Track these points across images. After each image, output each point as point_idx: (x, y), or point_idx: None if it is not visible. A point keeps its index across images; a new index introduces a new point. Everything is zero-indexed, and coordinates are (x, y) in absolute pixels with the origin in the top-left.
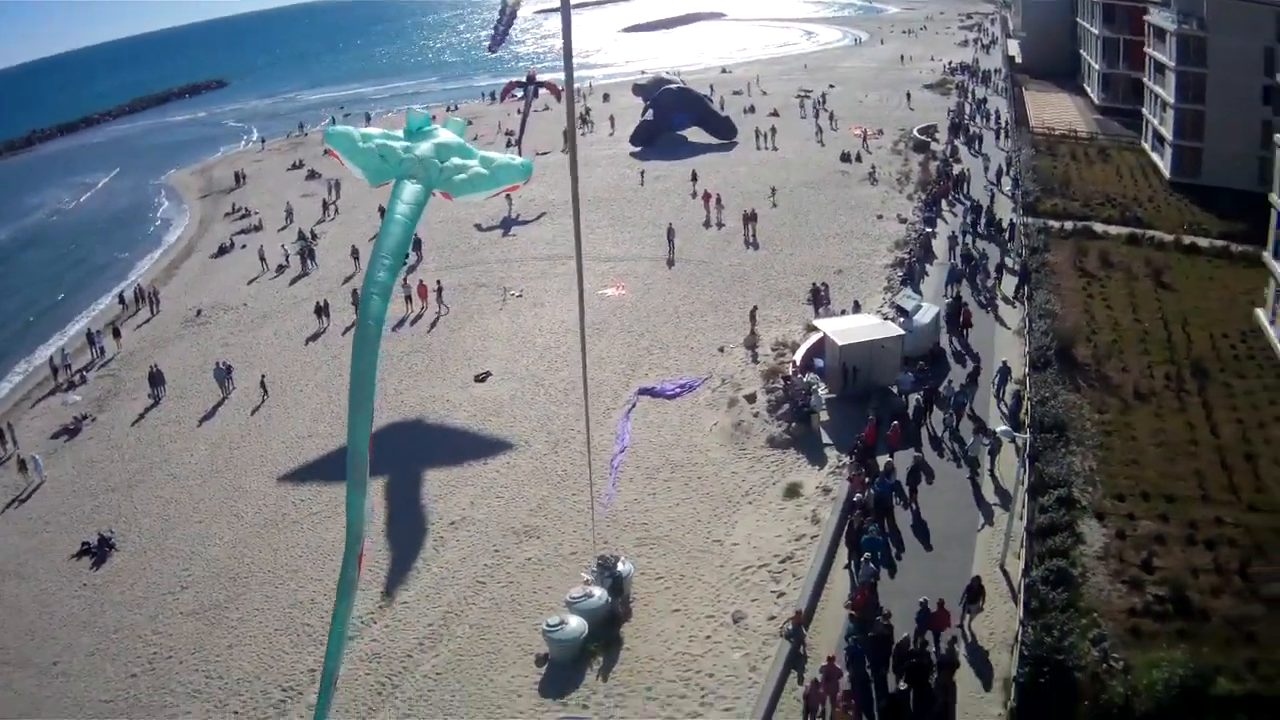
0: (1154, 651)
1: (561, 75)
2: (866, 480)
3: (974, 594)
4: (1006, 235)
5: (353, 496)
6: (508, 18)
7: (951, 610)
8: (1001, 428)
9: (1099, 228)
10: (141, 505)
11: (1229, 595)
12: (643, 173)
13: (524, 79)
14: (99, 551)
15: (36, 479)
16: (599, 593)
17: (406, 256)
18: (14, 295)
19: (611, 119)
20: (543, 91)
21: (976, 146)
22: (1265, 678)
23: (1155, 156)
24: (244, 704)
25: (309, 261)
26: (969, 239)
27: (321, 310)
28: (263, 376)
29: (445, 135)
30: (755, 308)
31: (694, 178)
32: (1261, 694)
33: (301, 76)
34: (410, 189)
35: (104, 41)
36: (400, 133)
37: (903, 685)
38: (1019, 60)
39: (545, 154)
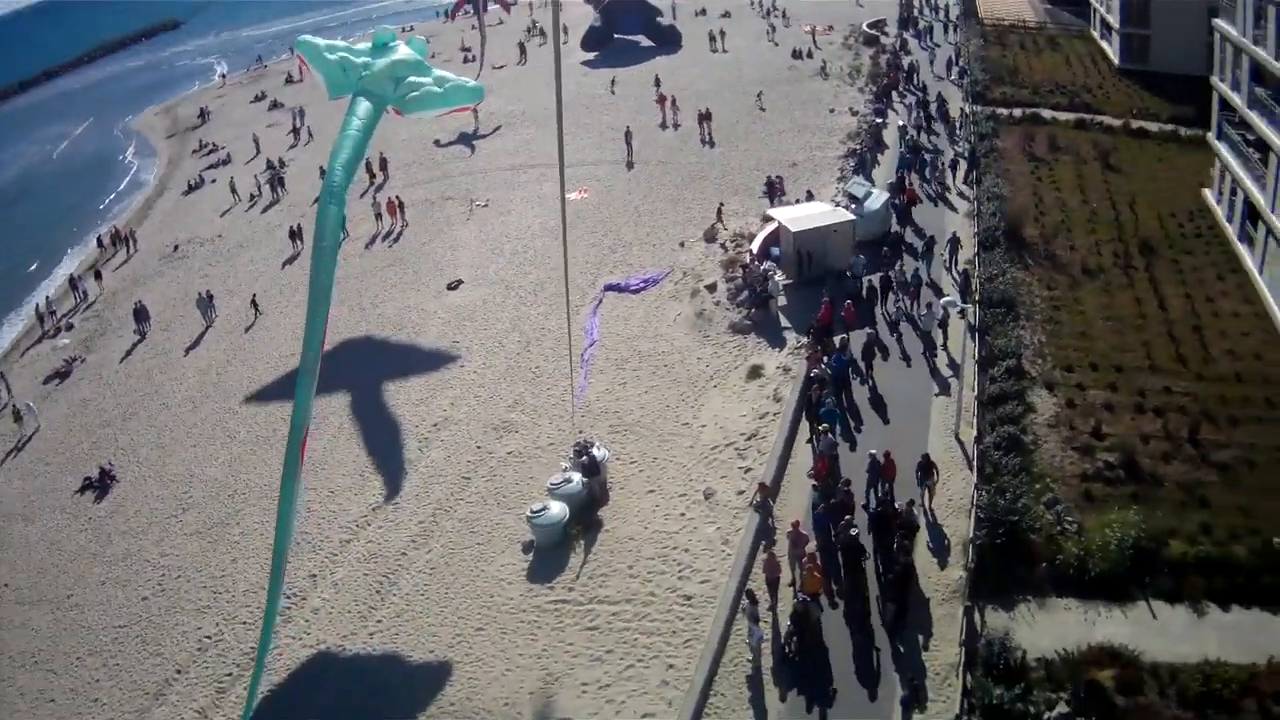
0: (1107, 514)
1: None
2: (823, 358)
3: (925, 469)
4: (955, 124)
5: (301, 391)
6: None
7: (900, 469)
8: (946, 298)
9: (1047, 114)
10: (138, 436)
11: (1179, 461)
12: (613, 81)
13: None
14: (101, 485)
15: (32, 425)
16: (577, 478)
17: (375, 173)
18: None
19: (565, 29)
20: (494, 6)
21: (926, 39)
22: (1218, 541)
23: (1104, 44)
24: (251, 614)
25: (279, 189)
26: (917, 130)
27: (295, 234)
28: (254, 295)
29: (404, 52)
30: (721, 204)
31: (657, 82)
32: (1214, 556)
33: (255, 10)
34: (364, 105)
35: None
36: (363, 47)
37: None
38: None
39: (501, 67)
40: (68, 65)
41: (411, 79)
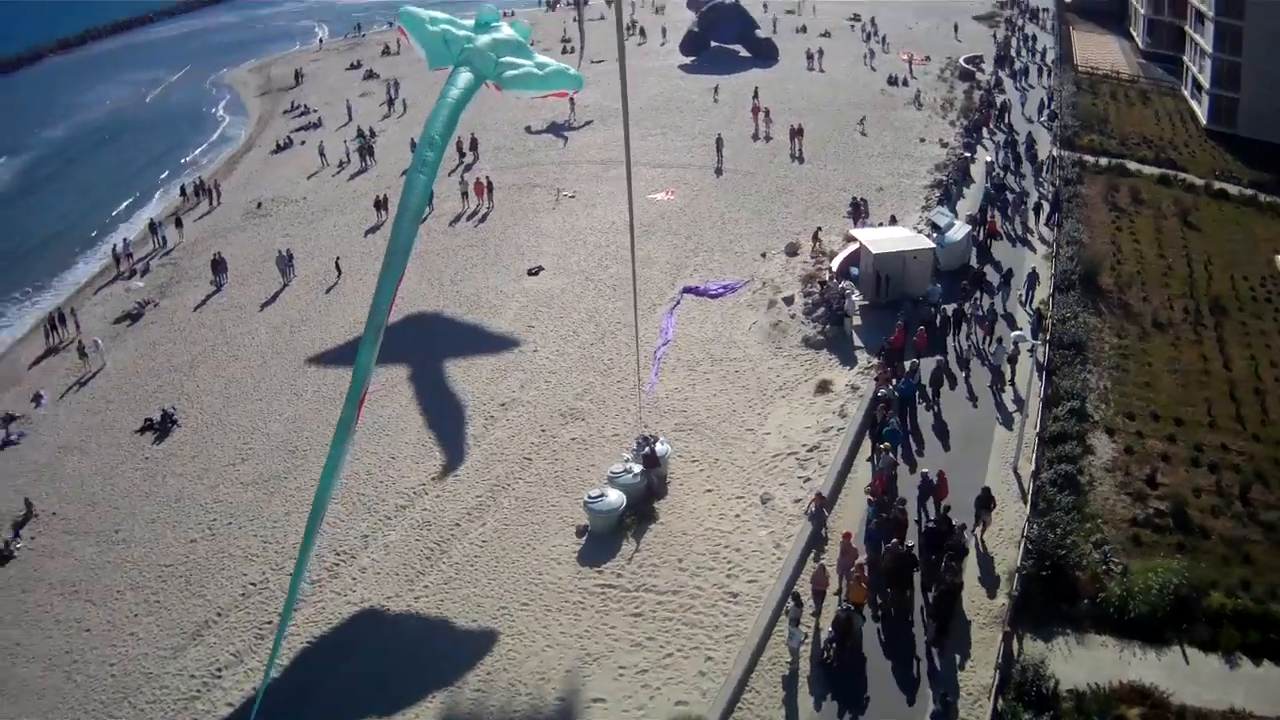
0: (1152, 560)
1: None
2: (892, 379)
3: (984, 501)
4: (1043, 167)
5: (365, 346)
6: None
7: (955, 494)
8: (1017, 333)
9: (1133, 166)
10: (204, 384)
11: (1228, 517)
12: (716, 88)
13: None
14: (161, 427)
15: (99, 363)
16: (638, 469)
17: (464, 152)
18: (79, 188)
19: (663, 30)
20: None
21: (1021, 80)
22: (1257, 598)
23: (1194, 103)
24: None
25: (368, 158)
26: (1005, 169)
27: (381, 204)
28: (337, 259)
29: (508, 33)
30: (820, 228)
31: (755, 94)
32: (1251, 611)
33: None
34: (464, 75)
35: None
36: (468, 22)
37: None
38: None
39: (599, 62)
40: (164, 12)
41: (512, 59)
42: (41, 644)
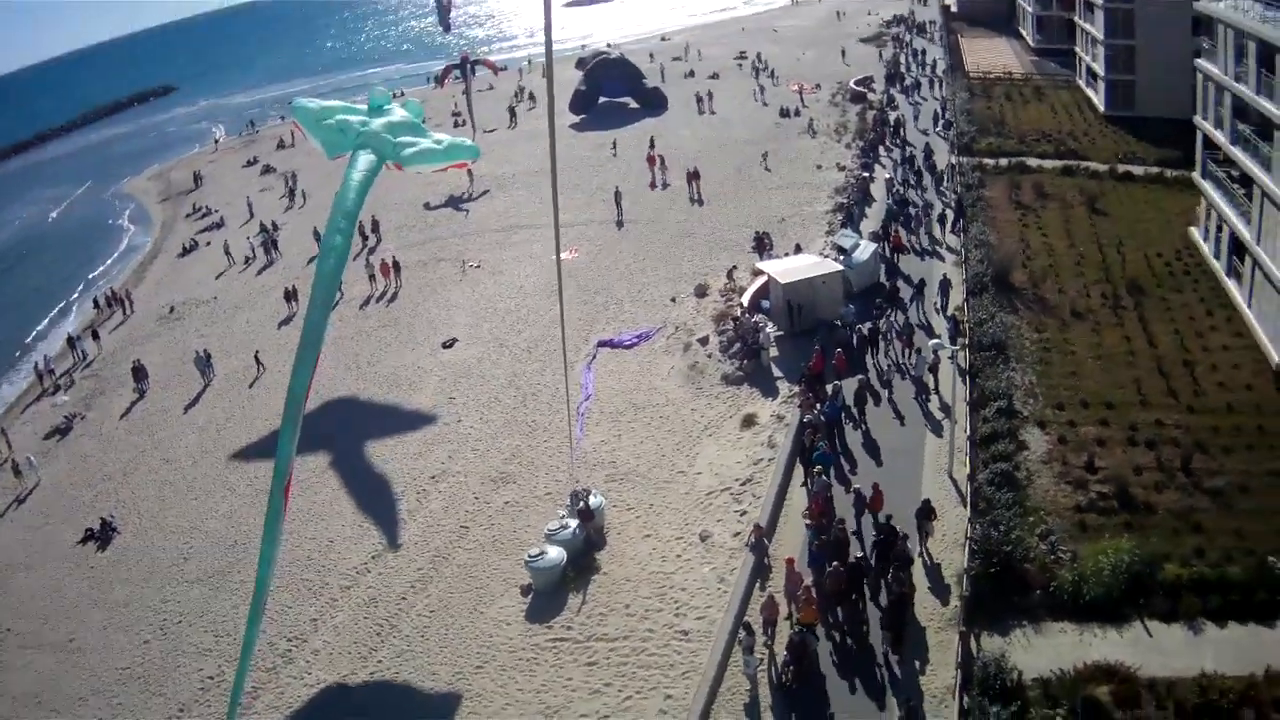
0: (1100, 542)
1: (500, 56)
2: (816, 404)
3: (925, 513)
4: (943, 176)
5: (285, 434)
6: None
7: (895, 507)
8: (934, 341)
9: (1034, 162)
10: (138, 490)
11: (1173, 489)
12: (614, 143)
13: (459, 61)
14: (102, 535)
15: (33, 479)
16: (574, 524)
17: (367, 235)
18: None
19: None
20: (482, 70)
21: (913, 94)
22: (1213, 563)
23: (1090, 92)
24: (254, 656)
25: (273, 251)
26: (904, 184)
27: (290, 295)
28: (256, 353)
29: (401, 114)
30: (734, 266)
31: (651, 144)
32: (1208, 577)
33: (247, 76)
34: (365, 158)
35: (42, 60)
36: (360, 107)
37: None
38: (954, 9)
39: (491, 131)
40: (61, 129)
41: (409, 138)
42: None
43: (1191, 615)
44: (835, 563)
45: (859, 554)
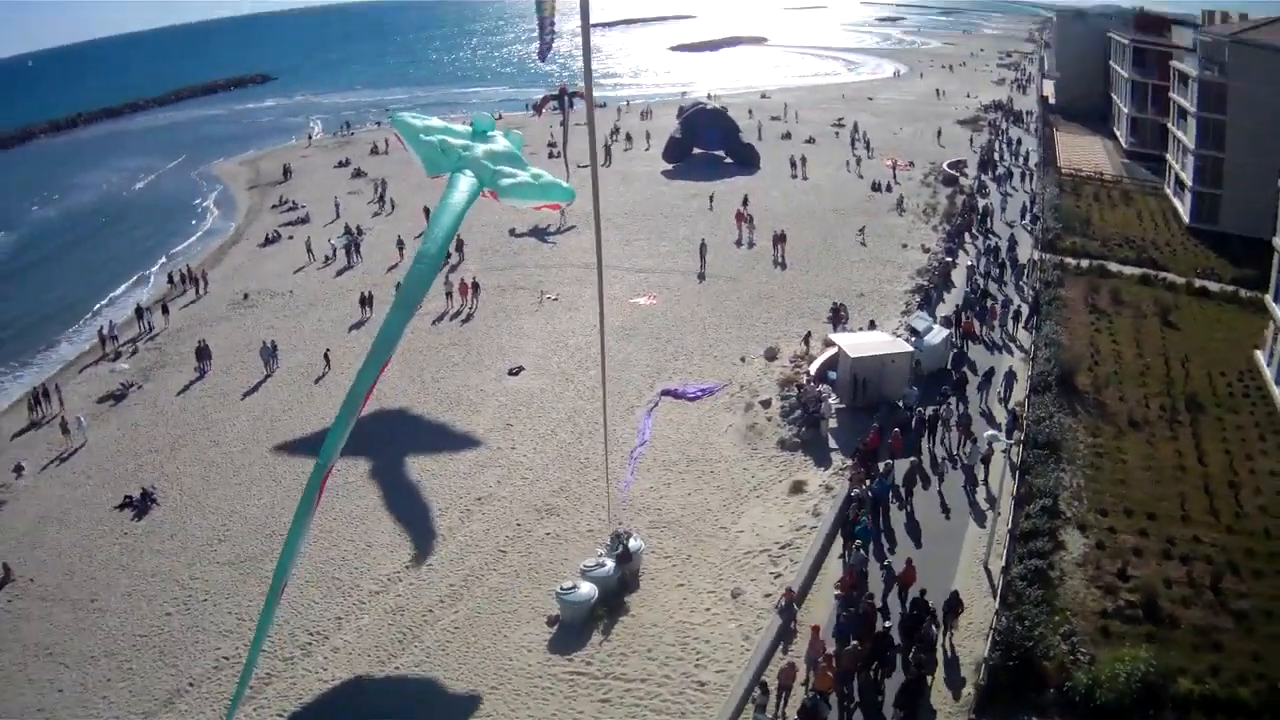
0: (1120, 649)
1: (599, 94)
2: (866, 479)
3: (952, 606)
4: (1024, 270)
5: (338, 426)
6: (547, 25)
7: (925, 587)
8: (989, 432)
9: (1114, 267)
10: (184, 467)
11: (1199, 606)
12: (712, 197)
13: (557, 92)
14: (141, 505)
15: (80, 439)
16: (610, 564)
17: (451, 253)
18: (67, 269)
19: (647, 134)
20: (580, 104)
21: (1004, 184)
22: (1226, 683)
23: (1176, 202)
24: (272, 644)
25: (355, 255)
26: (985, 276)
27: (366, 301)
28: (326, 351)
29: (502, 144)
30: (810, 333)
31: (745, 202)
32: (1218, 695)
33: (346, 77)
34: (466, 181)
35: (136, 31)
36: (462, 129)
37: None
38: (1053, 100)
39: (585, 167)
40: (153, 101)
41: (508, 168)
42: (15, 700)
43: None
44: (855, 642)
45: (886, 624)
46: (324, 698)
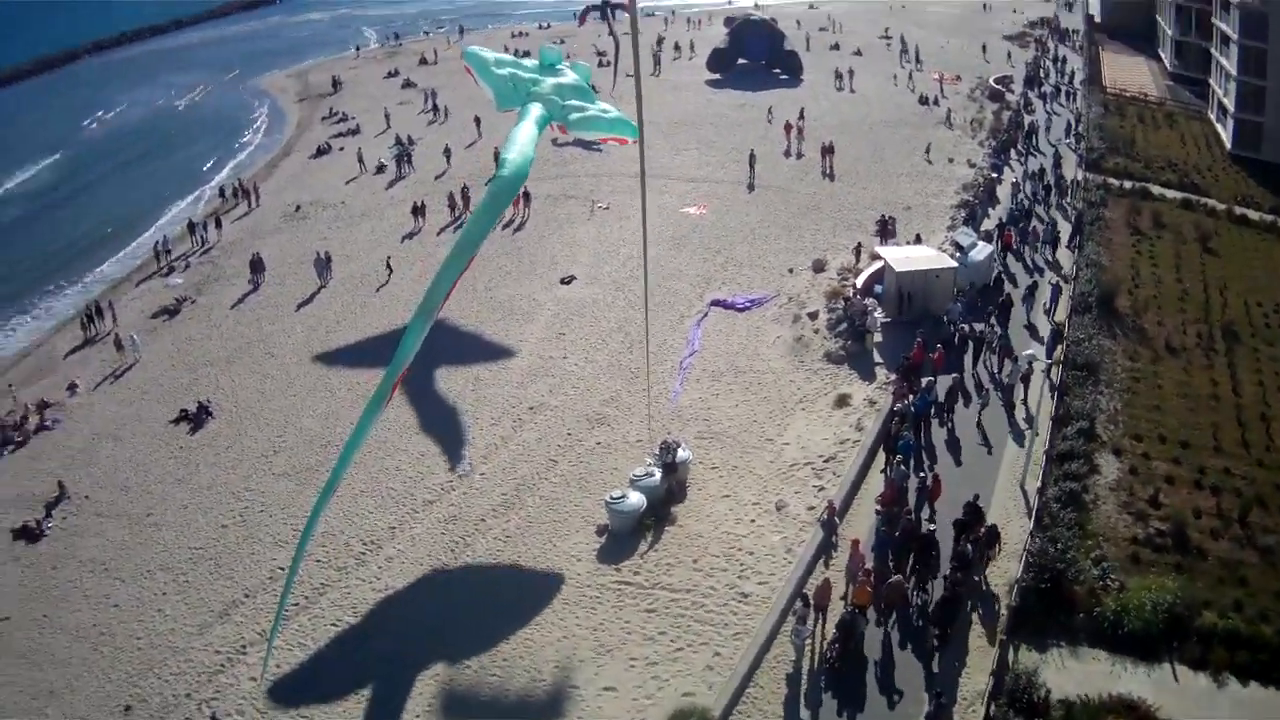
0: (1149, 578)
1: (645, 3)
2: (909, 395)
3: (990, 539)
4: (1067, 190)
5: (414, 329)
6: None
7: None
8: (1028, 351)
9: (1156, 190)
10: (238, 379)
11: (1227, 539)
12: (770, 109)
13: (598, 2)
14: (196, 418)
15: (133, 356)
16: (658, 473)
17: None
18: (120, 187)
19: (692, 44)
20: (623, 15)
21: (1050, 102)
22: (1249, 619)
23: (1219, 127)
24: (327, 554)
25: (406, 165)
26: (1033, 197)
27: (418, 210)
28: (388, 258)
29: (570, 76)
30: (859, 244)
31: (801, 115)
32: (1241, 632)
33: None
34: (538, 109)
35: None
36: (530, 63)
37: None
38: (1099, 19)
39: (632, 76)
40: (202, 16)
41: (576, 101)
42: (69, 617)
43: (1219, 667)
44: (898, 576)
45: (931, 526)
46: (377, 607)
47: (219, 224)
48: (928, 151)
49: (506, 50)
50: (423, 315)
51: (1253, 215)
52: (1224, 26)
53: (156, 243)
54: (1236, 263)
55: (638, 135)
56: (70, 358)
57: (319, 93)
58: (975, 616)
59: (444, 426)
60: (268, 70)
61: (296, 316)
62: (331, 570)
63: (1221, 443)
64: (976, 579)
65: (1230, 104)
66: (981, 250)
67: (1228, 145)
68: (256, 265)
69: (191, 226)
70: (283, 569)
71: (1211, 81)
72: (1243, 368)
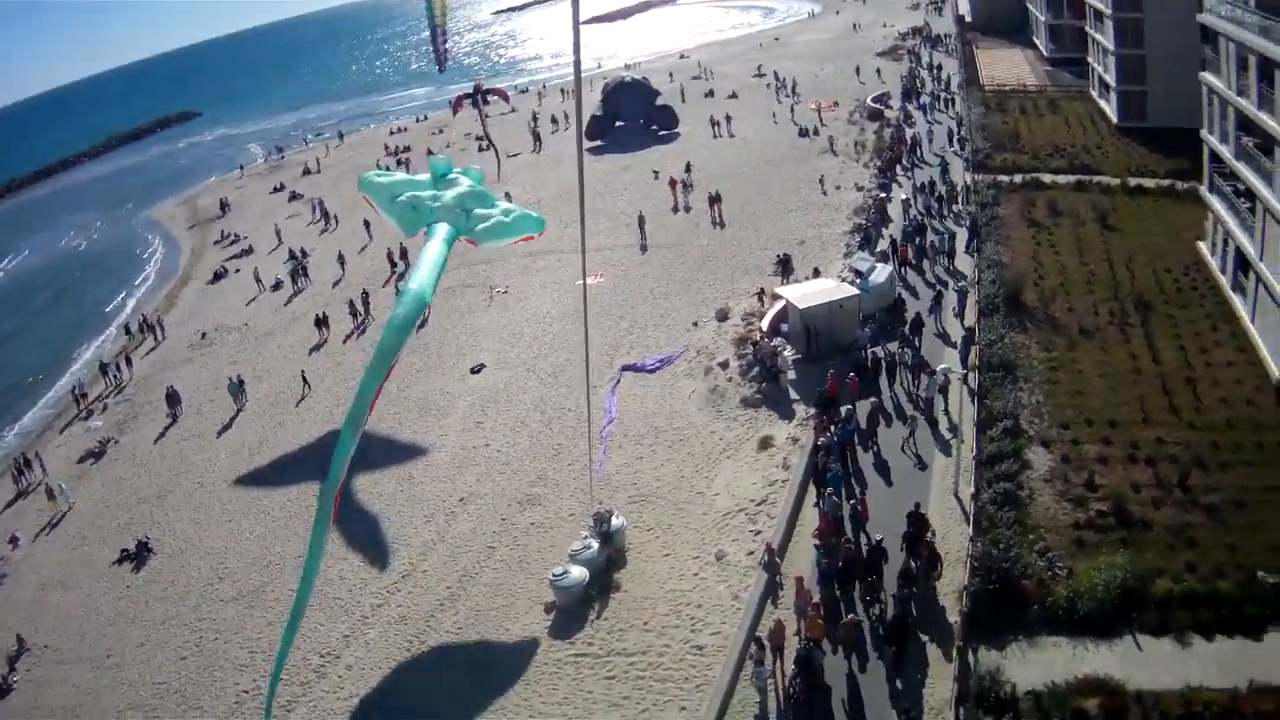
0: (1096, 558)
1: (508, 82)
2: (829, 427)
3: (931, 560)
4: (958, 196)
5: (342, 447)
6: (439, 35)
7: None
8: (943, 365)
9: (1047, 178)
10: (173, 512)
11: (1170, 506)
12: (655, 173)
13: (470, 91)
14: (138, 556)
15: (65, 504)
16: (596, 544)
17: (396, 261)
18: (26, 336)
19: (566, 115)
20: (493, 99)
21: (930, 112)
22: (1204, 578)
23: (1103, 103)
24: (288, 672)
25: (303, 278)
26: (925, 210)
27: (321, 322)
28: (303, 371)
29: (466, 183)
30: (763, 289)
31: (688, 169)
32: (1198, 591)
33: (271, 102)
34: (445, 229)
35: (61, 85)
36: (423, 178)
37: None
38: (969, 18)
39: (515, 155)
40: (84, 155)
41: (479, 210)
42: None
43: (1181, 629)
44: (851, 615)
45: (879, 536)
46: (347, 718)
47: (129, 362)
48: (821, 182)
49: (387, 149)
50: (350, 428)
51: (1148, 184)
52: (1097, 3)
53: (73, 387)
54: (1138, 234)
55: (543, 227)
56: (6, 511)
57: (208, 217)
58: (930, 629)
59: (380, 530)
60: (158, 200)
61: (219, 443)
62: (294, 686)
63: (1150, 414)
64: (919, 593)
65: (1111, 78)
66: (881, 272)
67: (1114, 119)
68: (172, 398)
69: (103, 368)
70: (247, 692)
71: (1090, 59)
72: (1160, 336)
